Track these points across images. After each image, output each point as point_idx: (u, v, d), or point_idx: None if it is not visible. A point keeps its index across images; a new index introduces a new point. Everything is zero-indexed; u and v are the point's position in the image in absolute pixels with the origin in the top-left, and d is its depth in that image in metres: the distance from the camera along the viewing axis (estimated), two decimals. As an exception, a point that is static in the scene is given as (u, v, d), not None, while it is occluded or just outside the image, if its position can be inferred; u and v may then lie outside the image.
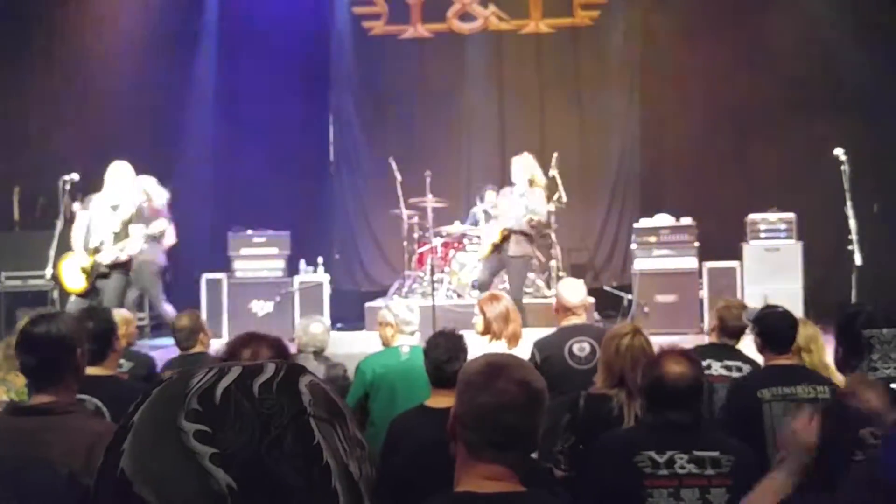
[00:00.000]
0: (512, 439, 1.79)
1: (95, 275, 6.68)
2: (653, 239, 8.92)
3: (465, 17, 10.75)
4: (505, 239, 7.50)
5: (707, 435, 2.73)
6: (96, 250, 6.67)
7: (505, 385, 1.78)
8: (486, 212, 9.06)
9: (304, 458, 0.68)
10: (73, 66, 10.31)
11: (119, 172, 6.79)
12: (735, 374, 3.94)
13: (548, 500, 1.91)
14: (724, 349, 4.13)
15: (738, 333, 4.19)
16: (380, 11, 10.82)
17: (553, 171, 9.24)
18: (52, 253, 7.21)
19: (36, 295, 8.20)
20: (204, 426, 0.67)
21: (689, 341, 5.85)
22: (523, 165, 7.57)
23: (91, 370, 2.97)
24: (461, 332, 3.65)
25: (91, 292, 6.67)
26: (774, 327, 3.63)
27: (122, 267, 6.77)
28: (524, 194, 7.44)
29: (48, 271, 7.30)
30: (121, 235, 6.67)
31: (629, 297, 8.99)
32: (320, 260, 9.49)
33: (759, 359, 3.84)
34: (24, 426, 2.43)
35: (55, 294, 7.66)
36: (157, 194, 7.30)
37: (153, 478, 0.66)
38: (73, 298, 6.82)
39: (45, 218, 9.25)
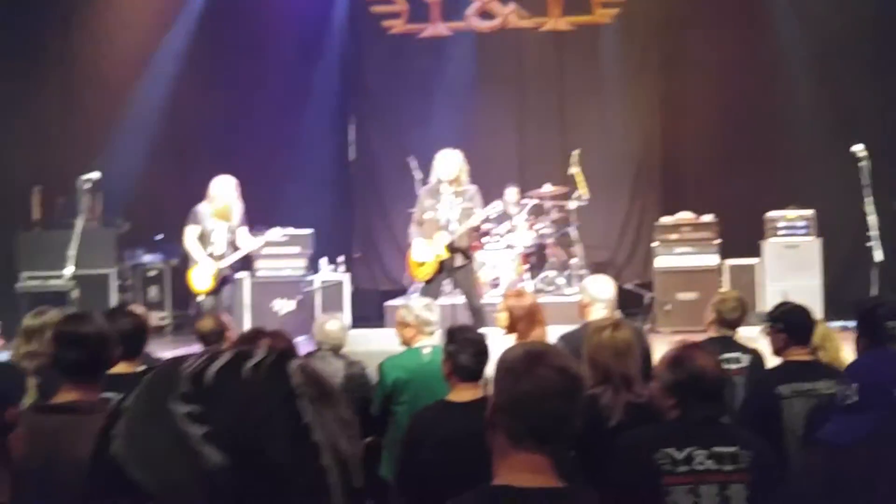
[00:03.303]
0: (553, 427, 1.79)
1: (220, 278, 7.24)
2: (674, 236, 8.86)
3: (485, 14, 10.71)
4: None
5: (726, 430, 2.69)
6: (220, 257, 7.23)
7: (546, 371, 1.79)
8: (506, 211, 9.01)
9: (293, 436, 0.70)
10: (92, 66, 10.37)
11: (224, 185, 7.30)
12: (733, 366, 3.97)
13: (589, 498, 1.88)
14: (725, 341, 4.15)
15: (735, 324, 4.27)
16: (399, 10, 10.81)
17: (574, 169, 9.20)
18: (72, 252, 7.25)
19: (55, 295, 8.20)
20: (195, 407, 0.69)
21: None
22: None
23: (119, 368, 2.97)
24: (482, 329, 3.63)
25: (217, 291, 7.21)
26: (799, 320, 3.66)
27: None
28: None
29: (68, 271, 7.33)
30: (233, 242, 7.28)
31: (650, 295, 8.92)
32: (341, 259, 9.49)
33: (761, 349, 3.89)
34: (49, 424, 2.42)
35: (75, 294, 7.67)
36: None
37: (145, 459, 0.68)
38: (202, 298, 7.24)
39: (64, 218, 9.30)
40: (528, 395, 1.78)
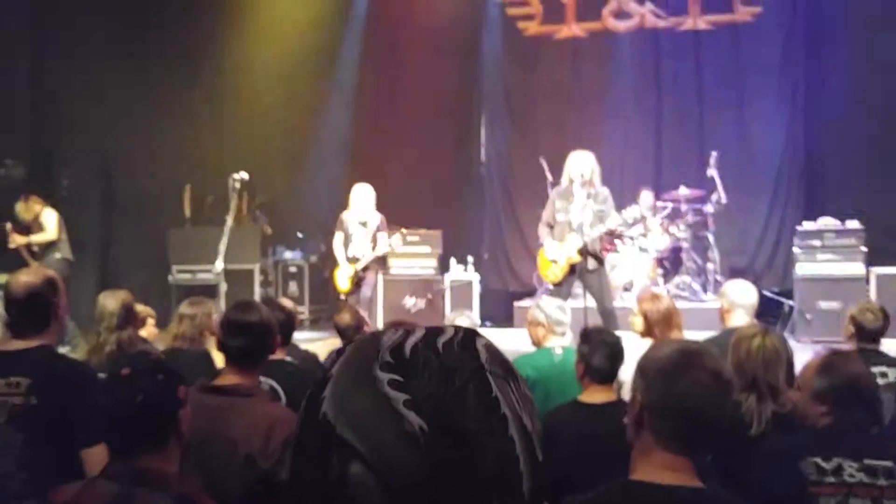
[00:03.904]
0: (703, 430, 1.76)
1: (357, 279, 7.84)
2: (817, 243, 8.49)
3: (621, 15, 10.58)
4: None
5: (879, 443, 2.58)
6: (356, 260, 7.80)
7: (701, 374, 1.75)
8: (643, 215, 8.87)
9: (484, 407, 0.75)
10: (239, 75, 10.90)
11: (364, 193, 7.88)
12: (881, 381, 3.75)
13: (731, 500, 1.85)
14: (869, 353, 3.96)
15: (876, 336, 4.09)
16: (534, 12, 10.83)
17: (712, 171, 8.97)
18: (221, 248, 7.63)
19: (204, 288, 8.64)
20: (396, 375, 0.74)
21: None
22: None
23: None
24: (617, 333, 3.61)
25: (355, 293, 7.81)
26: None
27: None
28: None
29: (217, 265, 7.73)
30: (371, 246, 7.81)
31: (790, 303, 8.59)
32: (470, 259, 9.60)
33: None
34: (211, 404, 2.58)
35: (223, 287, 8.08)
36: None
37: (353, 420, 0.73)
38: (344, 297, 7.85)
39: (214, 215, 9.82)
40: (682, 398, 1.74)
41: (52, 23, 10.16)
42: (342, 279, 7.90)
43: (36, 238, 8.39)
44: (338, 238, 7.95)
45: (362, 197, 7.88)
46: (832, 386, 2.59)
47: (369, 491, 0.72)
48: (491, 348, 0.80)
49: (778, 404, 3.10)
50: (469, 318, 4.98)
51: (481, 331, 0.94)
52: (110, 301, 4.22)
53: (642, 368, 1.85)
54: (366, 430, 0.73)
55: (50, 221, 8.44)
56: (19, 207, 8.42)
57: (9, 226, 8.30)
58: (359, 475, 0.72)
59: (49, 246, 8.43)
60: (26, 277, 2.89)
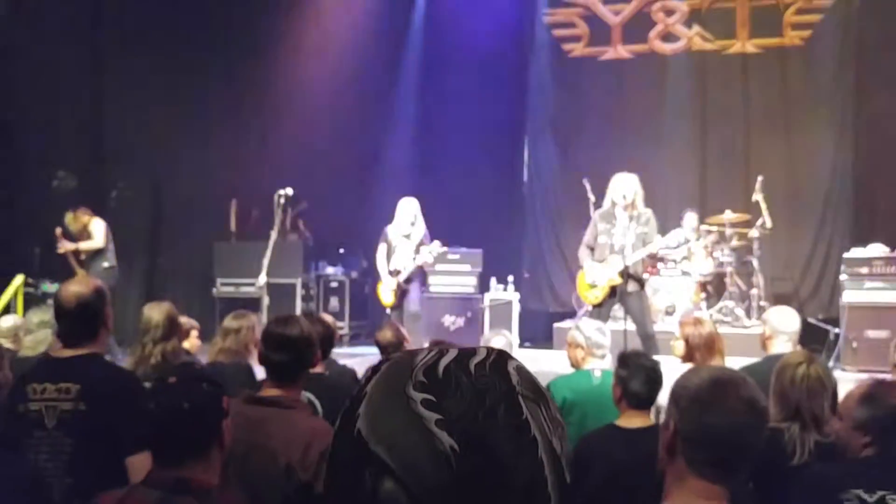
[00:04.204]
0: (736, 460, 1.75)
1: (401, 292, 7.87)
2: (865, 270, 8.32)
3: (668, 37, 10.55)
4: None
5: None
6: (397, 273, 7.83)
7: (735, 403, 1.74)
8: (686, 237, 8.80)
9: (514, 428, 0.76)
10: (283, 94, 11.05)
11: (410, 207, 7.93)
12: None
13: None
14: None
15: None
16: (580, 33, 10.84)
17: (757, 196, 8.86)
18: (265, 262, 7.73)
19: (247, 301, 8.75)
20: (429, 395, 0.76)
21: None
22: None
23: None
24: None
25: (398, 306, 7.86)
26: None
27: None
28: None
29: (261, 279, 7.83)
30: (414, 259, 7.83)
31: (836, 331, 8.43)
32: (511, 278, 9.59)
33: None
34: (253, 415, 2.62)
35: (265, 301, 8.17)
36: None
37: (386, 437, 0.75)
38: (389, 311, 7.91)
39: (259, 229, 9.95)
40: (715, 427, 1.73)
41: (109, 38, 10.42)
42: (385, 293, 7.94)
43: (84, 245, 8.58)
44: (381, 251, 7.96)
45: (408, 210, 7.90)
46: (873, 417, 2.55)
47: None
48: (522, 371, 0.81)
49: (821, 434, 3.05)
50: (506, 337, 4.97)
51: (519, 352, 0.95)
52: (155, 313, 4.29)
53: (675, 395, 1.84)
54: (398, 448, 0.74)
55: (98, 230, 8.62)
56: (68, 219, 8.62)
57: (59, 231, 8.50)
58: (390, 491, 0.73)
59: (96, 254, 8.61)
60: (76, 287, 2.96)
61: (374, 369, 0.82)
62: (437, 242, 7.81)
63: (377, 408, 0.77)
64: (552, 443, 0.77)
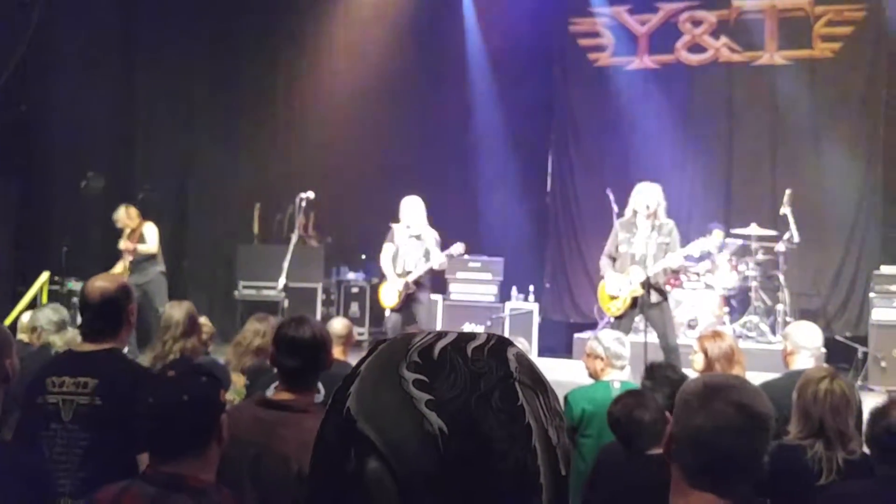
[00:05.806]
0: (729, 466, 1.71)
1: (406, 294, 7.42)
2: (895, 288, 8.20)
3: (695, 48, 10.47)
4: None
5: None
6: (406, 273, 7.41)
7: (722, 407, 1.71)
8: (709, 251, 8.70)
9: (508, 414, 0.74)
10: (306, 102, 11.11)
11: (415, 207, 7.56)
12: None
13: None
14: None
15: None
16: (606, 43, 10.79)
17: (785, 210, 8.75)
18: (286, 265, 7.74)
19: (268, 304, 8.78)
20: (422, 376, 0.75)
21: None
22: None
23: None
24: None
25: (402, 308, 7.43)
26: None
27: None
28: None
29: (281, 282, 7.83)
30: (424, 260, 7.44)
31: (864, 349, 8.30)
32: (531, 288, 9.54)
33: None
34: (266, 418, 2.60)
35: (285, 304, 8.18)
36: None
37: (375, 416, 0.74)
38: (388, 313, 7.58)
39: (281, 233, 9.98)
40: (700, 430, 1.71)
41: (139, 41, 10.53)
42: (389, 293, 7.49)
43: (142, 248, 8.66)
44: (387, 250, 7.56)
45: (413, 209, 7.54)
46: (872, 434, 2.50)
47: (384, 487, 0.72)
48: (522, 358, 0.79)
49: (847, 451, 2.98)
50: (522, 344, 4.93)
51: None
52: (176, 311, 4.34)
53: (675, 400, 1.83)
54: (386, 427, 0.73)
55: (151, 235, 8.71)
56: (122, 214, 8.72)
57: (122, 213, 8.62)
58: (375, 471, 0.72)
59: (149, 258, 8.70)
60: (101, 283, 2.97)
61: (370, 350, 0.81)
62: (460, 244, 7.52)
63: (368, 387, 0.76)
64: (548, 432, 0.76)
